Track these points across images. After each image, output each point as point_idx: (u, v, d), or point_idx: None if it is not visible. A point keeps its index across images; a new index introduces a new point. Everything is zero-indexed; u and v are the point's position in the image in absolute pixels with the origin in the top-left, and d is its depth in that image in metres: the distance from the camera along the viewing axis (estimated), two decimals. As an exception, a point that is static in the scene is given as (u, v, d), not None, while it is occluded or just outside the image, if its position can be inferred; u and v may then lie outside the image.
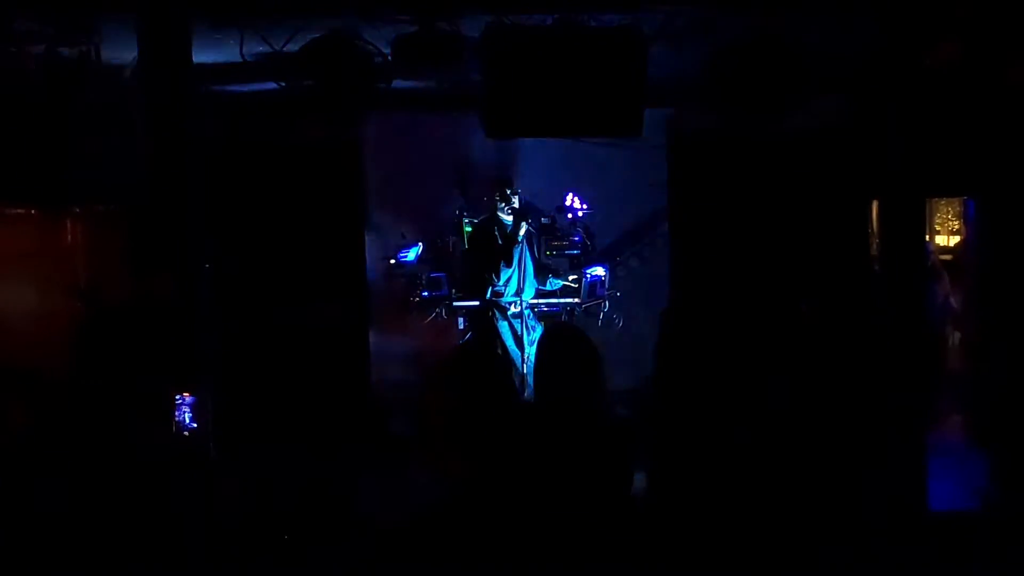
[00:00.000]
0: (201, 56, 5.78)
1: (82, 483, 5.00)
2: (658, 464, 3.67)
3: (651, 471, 3.68)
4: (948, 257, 9.69)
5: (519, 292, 8.00)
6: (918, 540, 5.26)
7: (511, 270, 7.96)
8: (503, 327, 7.95)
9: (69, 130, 6.03)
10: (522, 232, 7.92)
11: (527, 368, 7.75)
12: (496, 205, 8.02)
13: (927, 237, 8.42)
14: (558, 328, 4.99)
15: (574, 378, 3.73)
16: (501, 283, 7.95)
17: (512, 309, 7.97)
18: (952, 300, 8.87)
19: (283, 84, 6.17)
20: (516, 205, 7.99)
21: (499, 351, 7.79)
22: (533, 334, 7.99)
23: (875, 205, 8.19)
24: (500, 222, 8.03)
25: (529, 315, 8.06)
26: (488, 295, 7.92)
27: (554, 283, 8.33)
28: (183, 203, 5.55)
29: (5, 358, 6.38)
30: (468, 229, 8.37)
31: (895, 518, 5.44)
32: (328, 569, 4.87)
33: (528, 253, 8.13)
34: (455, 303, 8.23)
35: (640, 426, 3.82)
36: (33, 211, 7.05)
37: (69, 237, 7.51)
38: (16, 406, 5.64)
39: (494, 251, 7.94)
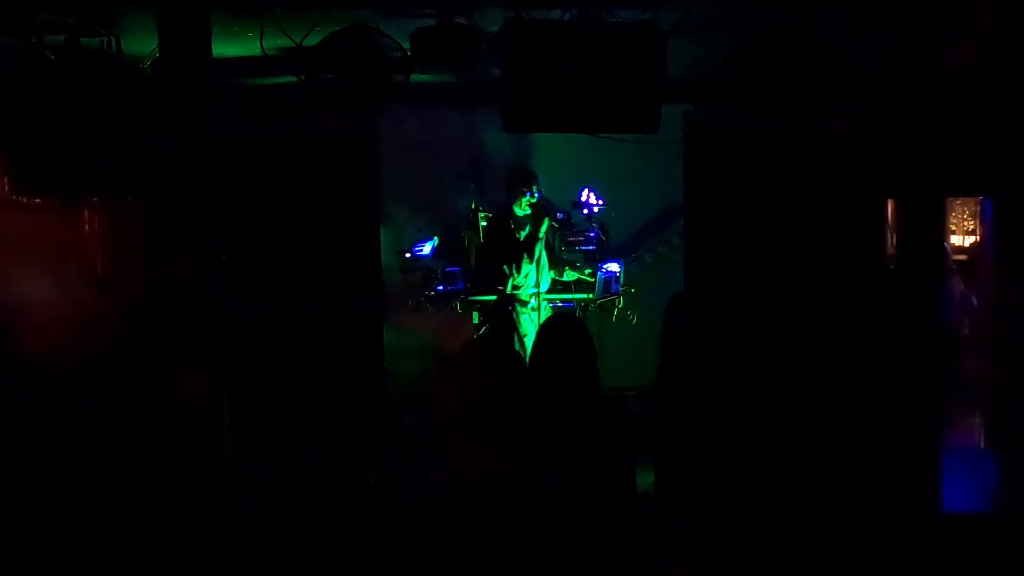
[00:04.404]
0: (220, 48, 5.80)
1: (98, 474, 5.02)
2: (666, 463, 3.67)
3: (657, 469, 3.69)
4: (963, 257, 9.67)
5: (537, 285, 8.01)
6: (931, 542, 5.25)
7: (532, 265, 7.96)
8: (524, 320, 7.96)
9: (90, 121, 6.04)
10: (544, 228, 7.91)
11: None
12: (519, 198, 7.98)
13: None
14: (555, 317, 5.01)
15: (568, 365, 3.76)
16: (521, 277, 7.95)
17: (532, 302, 7.99)
18: (970, 300, 8.85)
19: (302, 77, 6.18)
20: (536, 200, 7.97)
21: (516, 344, 7.79)
22: None
23: (891, 204, 8.19)
24: (515, 216, 8.02)
25: (546, 306, 8.07)
26: (508, 288, 7.92)
27: (570, 274, 8.33)
28: (201, 195, 5.56)
29: (22, 344, 6.42)
30: (484, 224, 8.37)
31: (908, 519, 5.43)
32: (340, 564, 4.89)
33: (545, 247, 8.14)
34: (471, 298, 8.23)
35: (647, 424, 3.83)
36: (51, 202, 7.07)
37: (87, 226, 7.55)
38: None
39: (515, 245, 7.93)
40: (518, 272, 7.90)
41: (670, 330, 3.84)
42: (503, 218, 8.10)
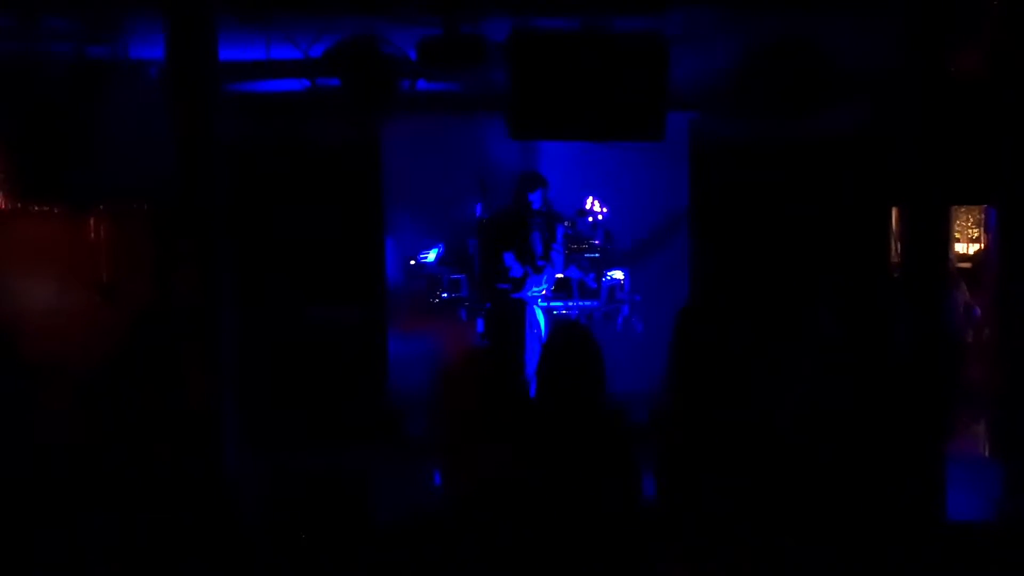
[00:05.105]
0: (227, 54, 5.82)
1: (101, 478, 5.03)
2: (668, 465, 3.68)
3: (660, 472, 3.70)
4: (967, 265, 9.64)
5: (546, 283, 8.05)
6: (935, 549, 5.24)
7: (546, 267, 8.00)
8: (540, 314, 7.99)
9: (96, 128, 6.06)
10: (559, 238, 7.96)
11: None
12: (527, 203, 8.00)
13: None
14: (561, 324, 5.03)
15: (575, 374, 3.78)
16: (537, 284, 7.99)
17: (541, 302, 8.03)
18: (974, 308, 8.83)
19: (308, 84, 6.21)
20: (542, 205, 8.01)
21: (528, 339, 7.83)
22: None
23: (895, 212, 8.19)
24: (523, 219, 8.05)
25: (549, 305, 8.11)
26: (521, 288, 7.96)
27: (573, 271, 8.34)
28: (206, 200, 5.58)
29: (28, 350, 6.43)
30: (489, 228, 8.39)
31: (912, 527, 5.43)
32: (343, 568, 4.89)
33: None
34: (477, 304, 8.25)
35: (651, 428, 3.84)
36: (57, 208, 7.10)
37: (93, 234, 7.57)
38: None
39: (526, 249, 7.97)
40: (534, 272, 7.92)
41: (682, 339, 3.84)
42: (510, 222, 8.12)
